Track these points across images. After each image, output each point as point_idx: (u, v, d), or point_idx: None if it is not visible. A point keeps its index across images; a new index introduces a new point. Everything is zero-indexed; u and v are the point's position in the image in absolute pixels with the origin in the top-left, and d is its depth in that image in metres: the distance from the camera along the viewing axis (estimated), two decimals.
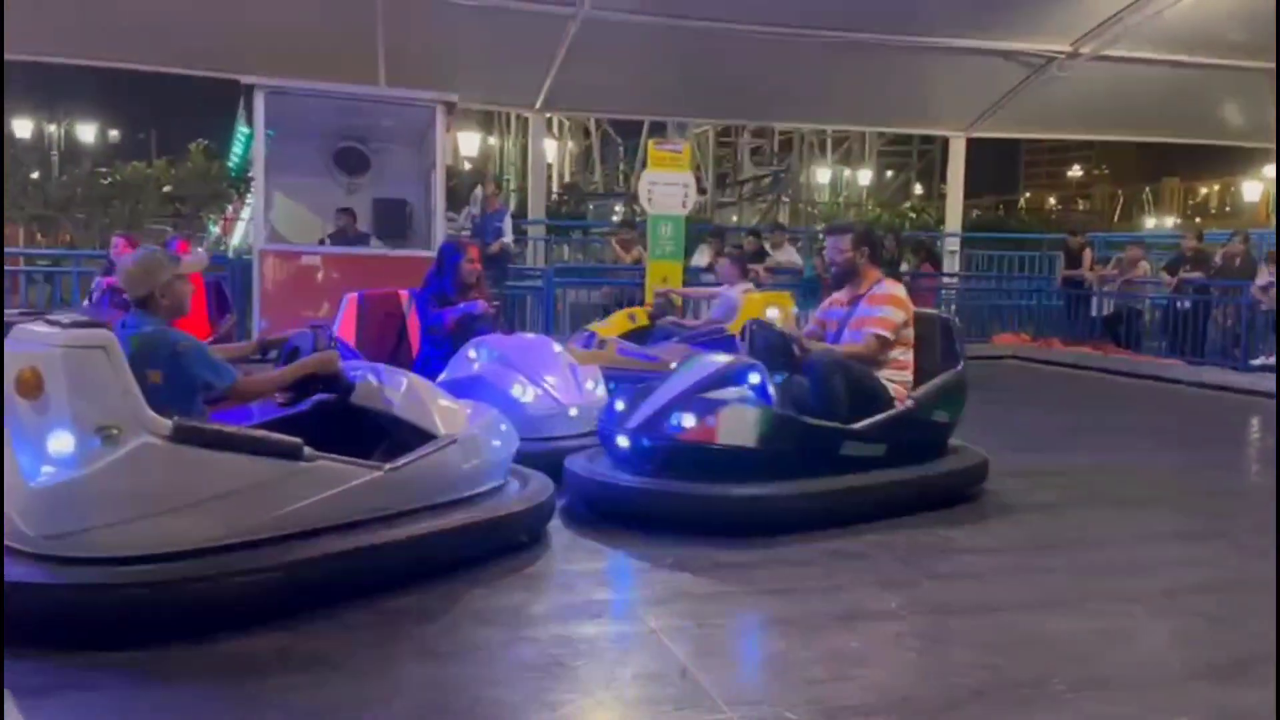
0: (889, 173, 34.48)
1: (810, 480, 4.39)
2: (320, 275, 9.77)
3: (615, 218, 23.23)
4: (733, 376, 4.54)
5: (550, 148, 20.30)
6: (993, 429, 6.29)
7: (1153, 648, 3.33)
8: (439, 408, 3.98)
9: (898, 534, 4.37)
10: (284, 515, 3.26)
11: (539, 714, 2.64)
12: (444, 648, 3.09)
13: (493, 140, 25.77)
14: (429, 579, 3.53)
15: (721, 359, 4.75)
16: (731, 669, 3.08)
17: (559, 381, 5.38)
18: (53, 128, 23.66)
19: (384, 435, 3.88)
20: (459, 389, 4.94)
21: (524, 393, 5.21)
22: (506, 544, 3.88)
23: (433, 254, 10.25)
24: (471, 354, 5.46)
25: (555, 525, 4.33)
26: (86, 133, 24.77)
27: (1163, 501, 5.36)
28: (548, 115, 15.72)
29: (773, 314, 7.85)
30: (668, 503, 4.24)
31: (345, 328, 5.76)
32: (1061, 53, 13.13)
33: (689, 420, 4.34)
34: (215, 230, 26.08)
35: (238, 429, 3.37)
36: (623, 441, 4.45)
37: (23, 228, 17.63)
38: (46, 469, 2.97)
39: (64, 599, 2.92)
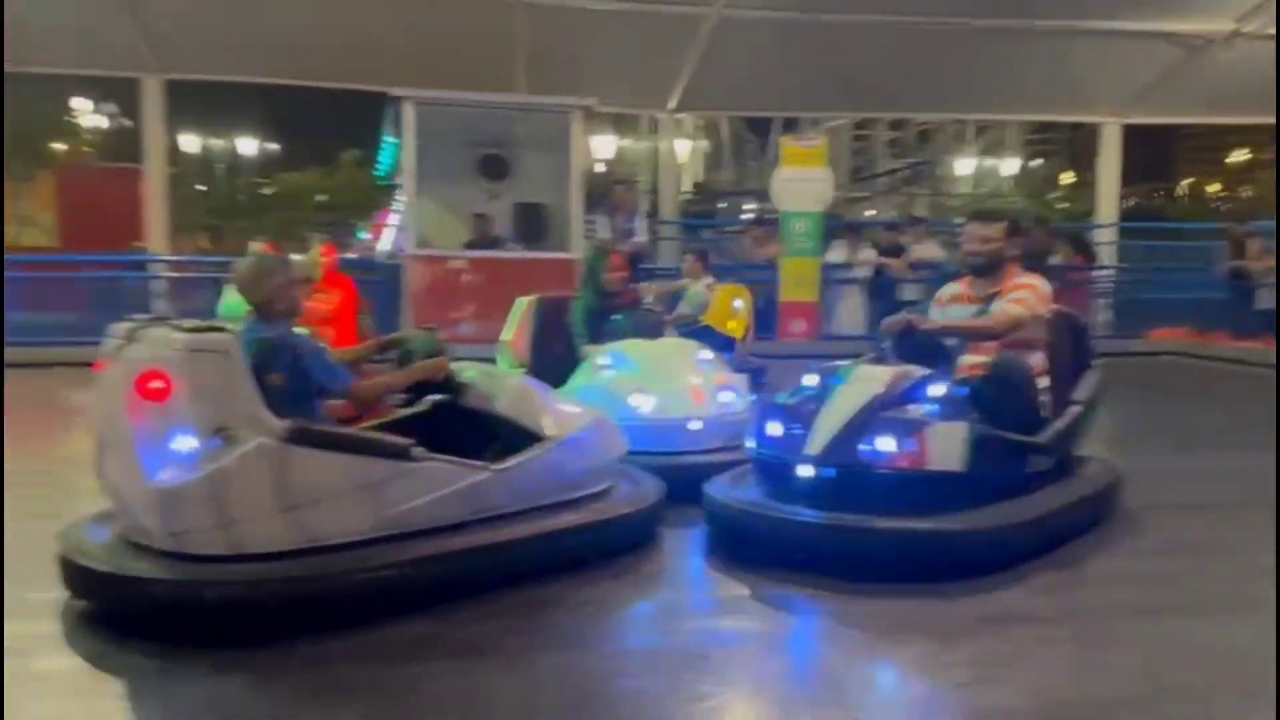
0: (1036, 161, 33.21)
1: (1011, 506, 3.86)
2: (464, 278, 10.12)
3: (745, 215, 23.17)
4: (912, 390, 3.94)
5: (681, 147, 20.37)
6: (1151, 428, 6.02)
7: None
8: (547, 409, 3.99)
9: None
10: (394, 515, 3.32)
11: (683, 706, 2.69)
12: (584, 638, 3.18)
13: (626, 142, 26.04)
14: (560, 574, 3.58)
15: (887, 369, 4.11)
16: (875, 669, 3.06)
17: (684, 391, 5.02)
18: (217, 142, 25.20)
19: (496, 437, 3.89)
20: (581, 395, 4.83)
21: (641, 403, 4.91)
22: (615, 545, 3.85)
23: (570, 256, 10.56)
24: (601, 360, 5.28)
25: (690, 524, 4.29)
26: (247, 146, 26.30)
27: None
28: (680, 115, 15.79)
29: (739, 305, 7.56)
30: (874, 543, 3.60)
31: (520, 332, 5.63)
32: (1224, 32, 12.41)
33: (888, 443, 3.72)
34: (365, 236, 27.28)
35: (350, 430, 3.46)
36: (805, 471, 3.81)
37: (197, 238, 18.84)
38: (170, 469, 3.09)
39: (184, 595, 3.02)
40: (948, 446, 3.71)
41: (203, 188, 19.98)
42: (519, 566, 3.52)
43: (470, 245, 10.63)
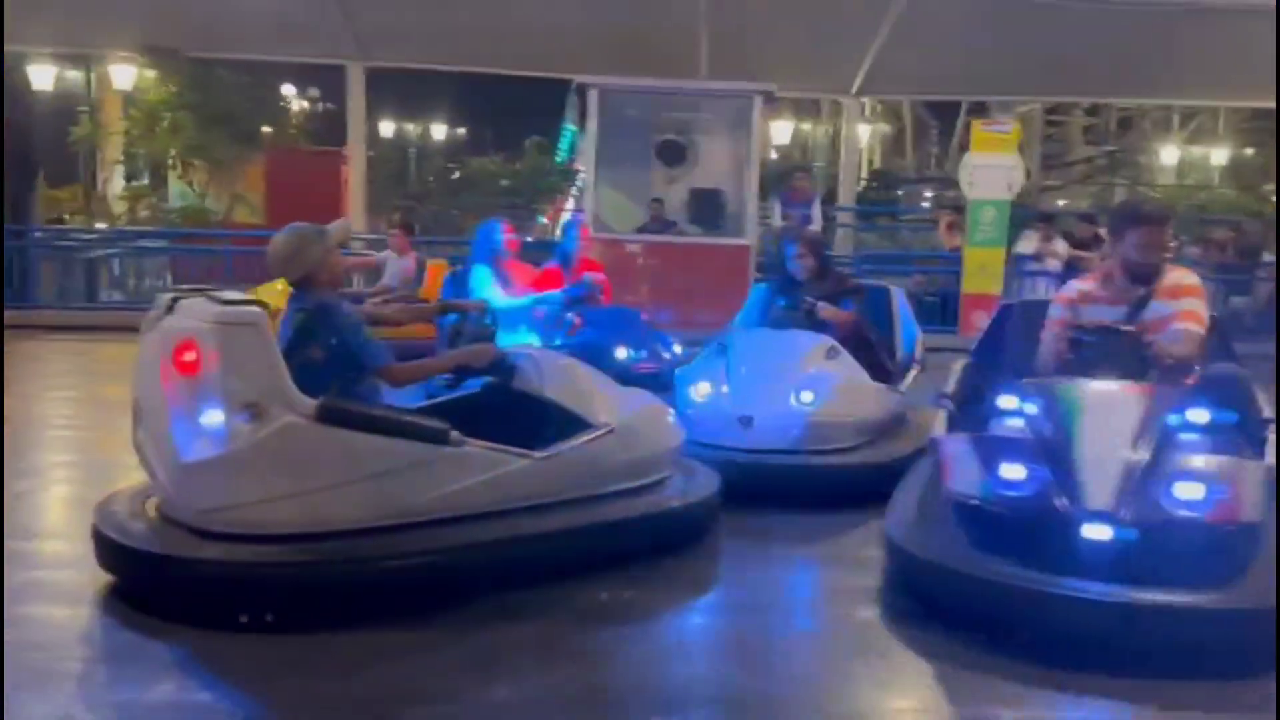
0: (1249, 150, 30.76)
1: None
2: (640, 261, 10.27)
3: (925, 203, 22.45)
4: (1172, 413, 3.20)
5: (862, 132, 19.93)
6: None
7: None
8: (599, 396, 3.83)
9: None
10: (431, 500, 3.19)
11: (861, 688, 2.68)
12: (748, 609, 3.29)
13: (806, 126, 25.67)
14: (600, 570, 3.47)
15: (1129, 387, 3.36)
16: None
17: (754, 380, 4.62)
18: (410, 127, 26.44)
19: (548, 422, 3.73)
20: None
21: (696, 391, 4.68)
22: (672, 538, 3.73)
23: (744, 241, 10.53)
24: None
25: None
26: (438, 131, 27.45)
27: None
28: (863, 100, 15.47)
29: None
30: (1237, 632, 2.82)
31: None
32: None
33: (1194, 491, 2.96)
34: (543, 220, 28.01)
35: (385, 410, 3.28)
36: (1098, 533, 2.97)
37: (385, 217, 19.82)
38: (199, 444, 2.98)
39: (210, 573, 2.94)
40: (1255, 491, 3.00)
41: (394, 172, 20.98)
42: (555, 560, 3.39)
43: (644, 229, 10.75)
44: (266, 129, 15.75)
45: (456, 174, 19.97)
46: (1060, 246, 11.56)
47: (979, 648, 2.95)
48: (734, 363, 4.72)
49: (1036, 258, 11.43)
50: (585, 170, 11.76)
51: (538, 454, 3.45)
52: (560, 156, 29.50)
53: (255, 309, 3.09)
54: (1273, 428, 3.37)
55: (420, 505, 3.20)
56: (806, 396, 4.51)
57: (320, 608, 2.99)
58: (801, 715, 2.62)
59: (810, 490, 4.33)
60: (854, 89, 13.76)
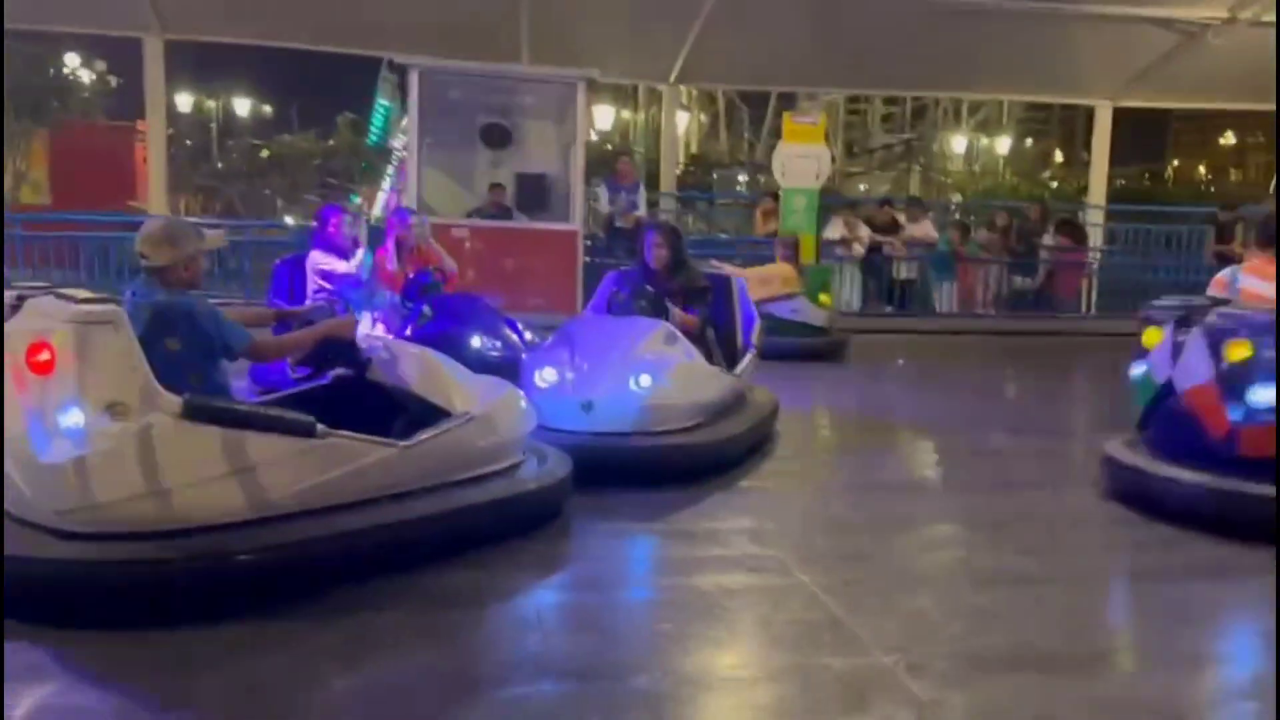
0: (1028, 141, 33.32)
1: None
2: (468, 245, 10.23)
3: (739, 188, 23.25)
4: None
5: (680, 119, 20.44)
6: None
7: None
8: (454, 384, 3.88)
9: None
10: (298, 492, 3.20)
11: (702, 648, 2.92)
12: (597, 584, 3.48)
13: (626, 114, 26.03)
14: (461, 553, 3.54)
15: None
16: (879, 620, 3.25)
17: (594, 366, 4.74)
18: (211, 103, 25.06)
19: (401, 411, 3.78)
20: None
21: (540, 378, 4.76)
22: (526, 521, 3.82)
23: (571, 226, 10.67)
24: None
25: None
26: (241, 107, 26.13)
27: None
28: (681, 88, 15.85)
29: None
30: None
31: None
32: (1217, 19, 12.57)
33: None
34: (358, 200, 27.23)
35: (250, 406, 3.36)
36: None
37: (185, 198, 18.83)
38: (58, 444, 2.90)
39: (70, 574, 2.88)
40: None
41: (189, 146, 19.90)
42: (415, 546, 3.43)
43: (481, 213, 10.72)
44: (53, 104, 14.67)
45: (265, 152, 19.17)
46: (863, 232, 12.31)
47: (803, 606, 3.29)
48: (576, 349, 4.84)
49: (842, 243, 12.12)
50: (407, 152, 11.54)
51: (401, 444, 3.47)
52: (374, 135, 28.74)
53: (112, 306, 3.03)
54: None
55: (285, 499, 3.18)
56: (644, 380, 4.64)
57: (181, 605, 2.95)
58: (647, 676, 2.79)
59: (650, 470, 4.51)
60: (672, 77, 14.09)
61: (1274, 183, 15.36)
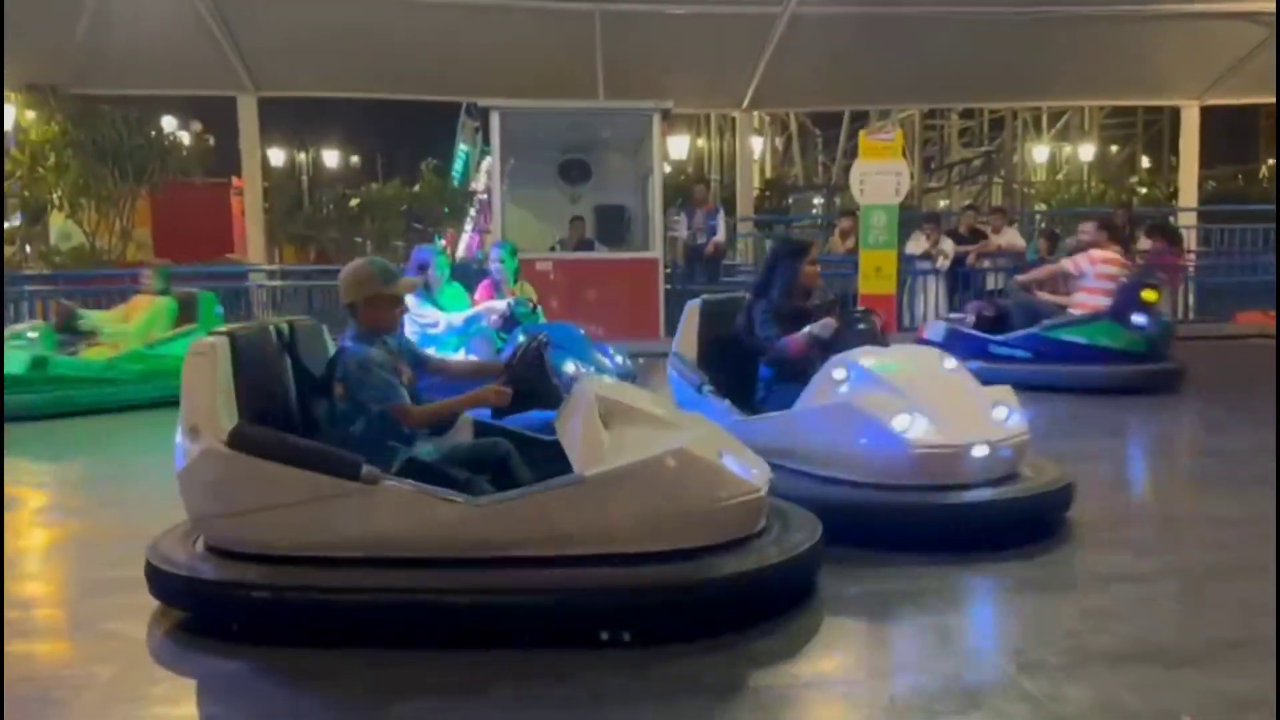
0: (1113, 147, 32.55)
1: None
2: (552, 278, 10.47)
3: (814, 210, 23.19)
4: None
5: (754, 144, 20.53)
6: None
7: None
8: (593, 436, 3.19)
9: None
10: (355, 535, 3.09)
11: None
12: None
13: (701, 142, 26.24)
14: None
15: None
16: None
17: (957, 408, 4.04)
18: (301, 155, 26.11)
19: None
20: (815, 422, 4.07)
21: (909, 424, 3.88)
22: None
23: (652, 255, 10.83)
24: (837, 374, 4.21)
25: None
26: (330, 158, 27.16)
27: None
28: (754, 114, 15.98)
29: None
30: None
31: (687, 339, 4.83)
32: None
33: None
34: (442, 242, 27.91)
35: (300, 440, 3.21)
36: None
37: (283, 248, 19.58)
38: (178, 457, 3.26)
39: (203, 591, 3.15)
40: None
41: (291, 201, 20.71)
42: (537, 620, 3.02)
43: (563, 246, 10.97)
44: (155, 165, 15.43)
45: (354, 201, 19.88)
46: (947, 245, 12.19)
47: None
48: (905, 386, 4.08)
49: (926, 257, 12.02)
50: (488, 193, 11.89)
51: (478, 501, 3.10)
52: (456, 179, 29.48)
53: (216, 339, 3.24)
54: None
55: (343, 539, 3.11)
56: (1001, 414, 4.06)
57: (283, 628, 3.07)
58: None
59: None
60: (745, 103, 14.23)
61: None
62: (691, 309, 4.87)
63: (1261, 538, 3.94)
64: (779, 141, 29.84)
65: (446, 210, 20.01)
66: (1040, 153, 28.92)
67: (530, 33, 11.95)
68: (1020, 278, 8.85)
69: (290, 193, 21.43)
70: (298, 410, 3.56)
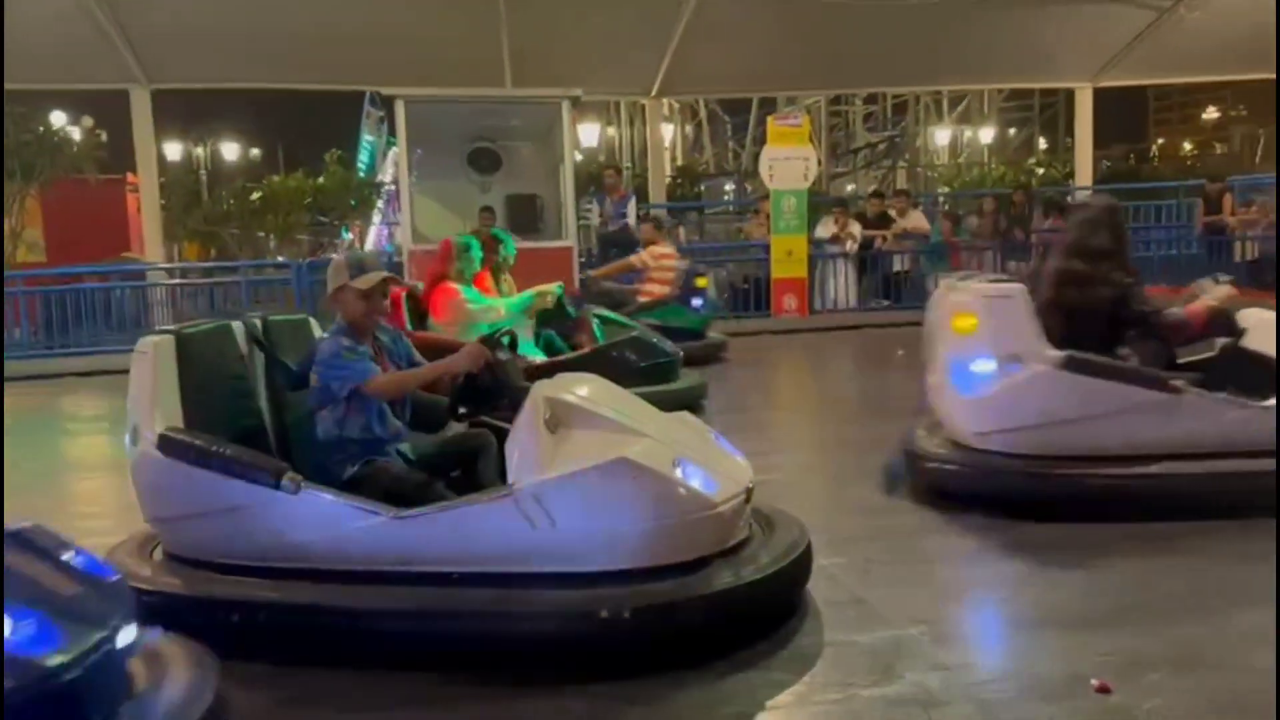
0: (1011, 130, 33.50)
1: None
2: None
3: (725, 196, 23.36)
4: None
5: (666, 131, 20.60)
6: None
7: None
8: (529, 443, 2.97)
9: None
10: (265, 547, 3.03)
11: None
12: None
13: (612, 130, 26.21)
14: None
15: None
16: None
17: None
18: (199, 150, 25.31)
19: None
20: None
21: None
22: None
23: (565, 244, 10.76)
24: None
25: None
26: (230, 151, 26.38)
27: None
28: (664, 101, 15.99)
29: None
30: None
31: None
32: None
33: None
34: (349, 236, 27.36)
35: (227, 447, 3.05)
36: None
37: (183, 245, 18.97)
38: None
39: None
40: None
41: (190, 196, 20.06)
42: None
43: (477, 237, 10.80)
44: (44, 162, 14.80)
45: (256, 194, 19.33)
46: (855, 229, 12.40)
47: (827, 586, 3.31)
48: None
49: (835, 240, 12.21)
50: (397, 184, 11.67)
51: (399, 513, 2.93)
52: (362, 170, 28.93)
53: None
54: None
55: (263, 549, 3.01)
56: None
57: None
58: None
59: None
60: (654, 90, 14.23)
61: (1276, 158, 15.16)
62: None
63: None
64: (690, 129, 29.98)
65: (353, 202, 19.60)
66: (942, 136, 29.62)
67: (434, 19, 11.74)
68: (594, 272, 9.93)
69: (188, 188, 20.76)
70: (270, 410, 3.44)
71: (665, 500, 2.87)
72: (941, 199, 19.15)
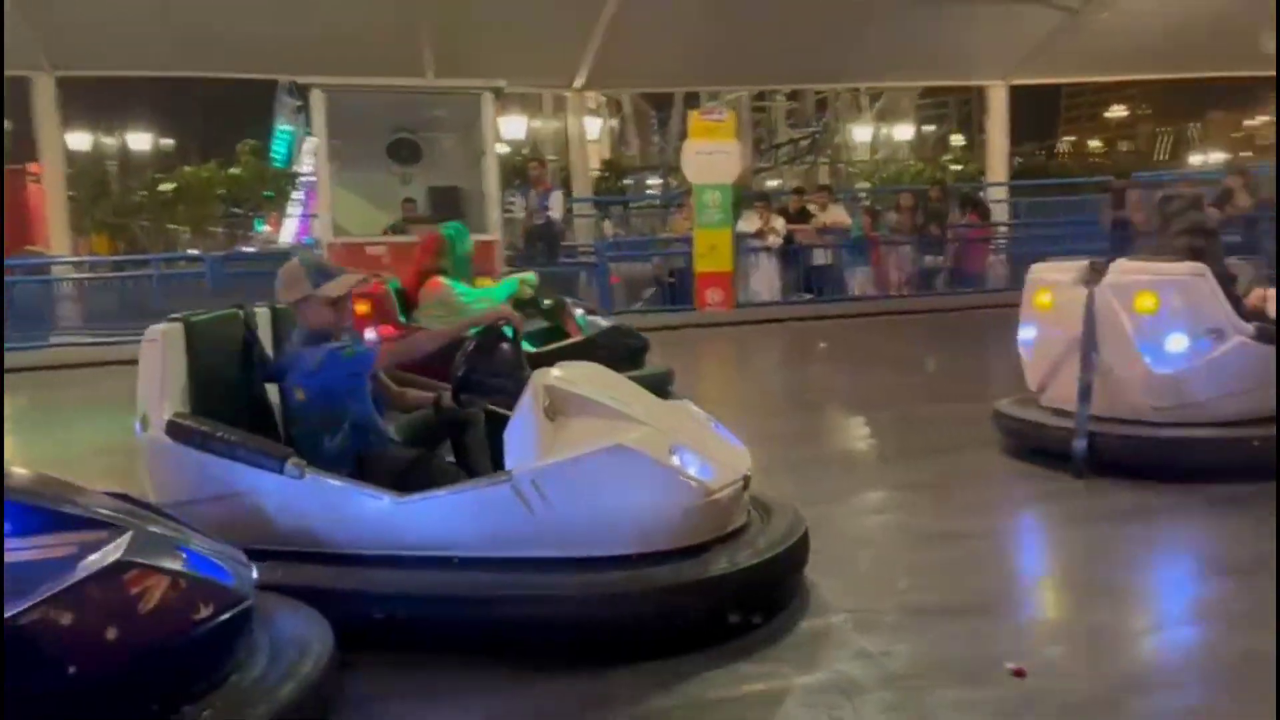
0: (928, 127, 34.21)
1: None
2: (386, 262, 10.16)
3: (650, 190, 23.43)
4: None
5: (592, 125, 20.54)
6: None
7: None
8: (527, 430, 3.02)
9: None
10: (273, 532, 3.05)
11: None
12: None
13: (537, 123, 26.04)
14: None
15: None
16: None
17: None
18: (108, 140, 24.43)
19: None
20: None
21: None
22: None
23: (488, 236, 10.65)
24: None
25: None
26: (140, 141, 25.49)
27: None
28: (588, 93, 15.95)
29: None
30: None
31: None
32: None
33: None
34: (265, 228, 26.74)
35: (233, 433, 3.10)
36: None
37: (92, 238, 18.30)
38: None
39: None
40: None
41: (99, 187, 19.38)
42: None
43: (397, 229, 10.64)
44: None
45: (167, 185, 18.73)
46: (778, 223, 12.53)
47: None
48: None
49: (758, 234, 12.32)
50: (315, 176, 11.44)
51: (395, 497, 2.98)
52: (277, 161, 28.25)
53: (169, 325, 3.20)
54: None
55: (272, 533, 3.04)
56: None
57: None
58: None
59: None
60: (577, 83, 14.18)
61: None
62: None
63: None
64: (615, 123, 29.95)
65: (269, 194, 19.15)
66: (862, 133, 30.08)
67: (353, 6, 11.53)
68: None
69: (96, 179, 20.05)
70: (261, 399, 3.43)
71: (662, 487, 2.91)
72: (862, 195, 19.47)
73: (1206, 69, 17.46)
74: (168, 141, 26.88)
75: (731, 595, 2.88)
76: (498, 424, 3.25)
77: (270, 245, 22.02)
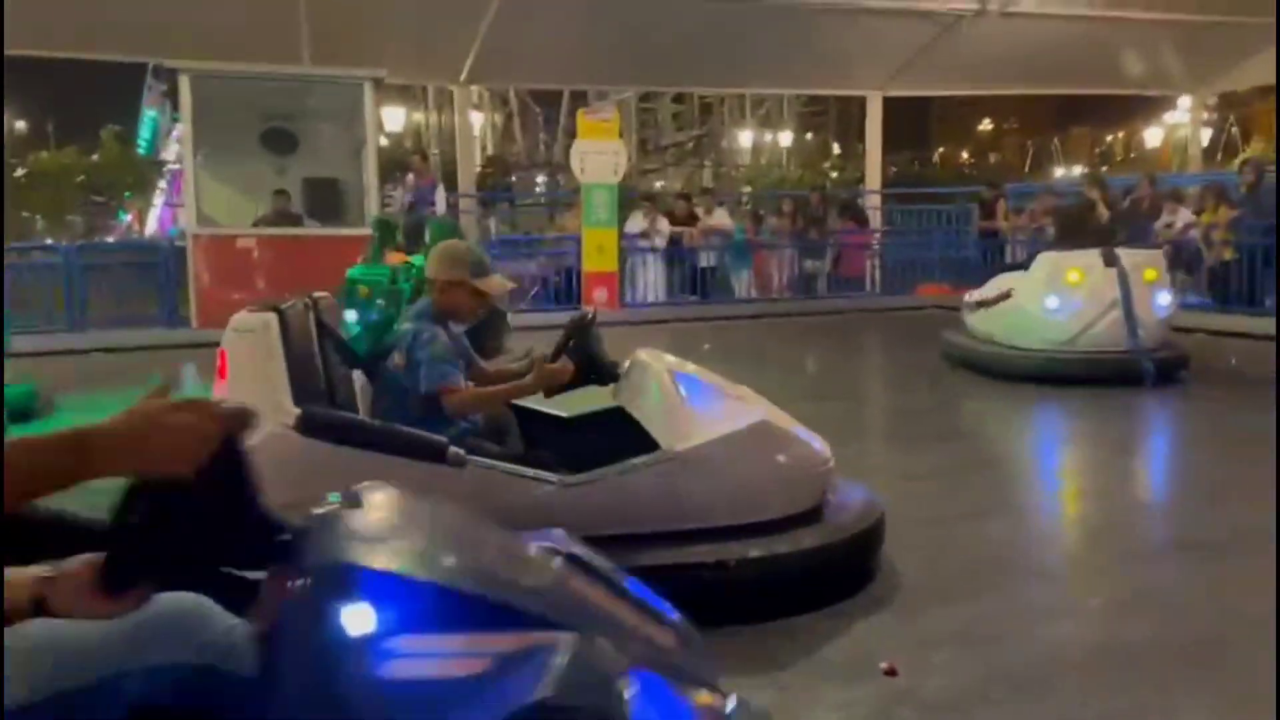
0: (808, 134, 34.99)
1: None
2: (255, 256, 9.78)
3: (537, 188, 23.29)
4: None
5: (474, 120, 20.24)
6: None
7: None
8: (683, 415, 3.21)
9: None
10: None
11: None
12: None
13: (419, 116, 25.55)
14: None
15: None
16: None
17: None
18: None
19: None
20: None
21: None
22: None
23: (365, 231, 10.34)
24: None
25: None
26: None
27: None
28: (473, 89, 15.70)
29: None
30: None
31: None
32: (970, 10, 13.58)
33: None
34: (127, 218, 25.46)
35: (377, 425, 3.12)
36: None
37: None
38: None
39: None
40: None
41: None
42: None
43: (267, 221, 10.24)
44: None
45: (20, 171, 17.63)
46: (663, 225, 12.58)
47: None
48: None
49: (644, 235, 12.34)
50: (181, 164, 10.92)
51: (567, 480, 3.02)
52: (143, 147, 26.95)
53: (264, 314, 3.06)
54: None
55: None
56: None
57: None
58: None
59: None
60: (462, 77, 13.94)
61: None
62: None
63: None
64: (499, 118, 29.65)
65: (132, 181, 18.25)
66: (745, 138, 30.56)
67: None
68: None
69: None
70: (326, 388, 3.32)
71: (802, 456, 3.26)
72: (744, 199, 19.73)
73: (1069, 85, 18.32)
74: (21, 124, 25.30)
75: (859, 551, 3.22)
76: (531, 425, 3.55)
77: (132, 235, 20.94)
